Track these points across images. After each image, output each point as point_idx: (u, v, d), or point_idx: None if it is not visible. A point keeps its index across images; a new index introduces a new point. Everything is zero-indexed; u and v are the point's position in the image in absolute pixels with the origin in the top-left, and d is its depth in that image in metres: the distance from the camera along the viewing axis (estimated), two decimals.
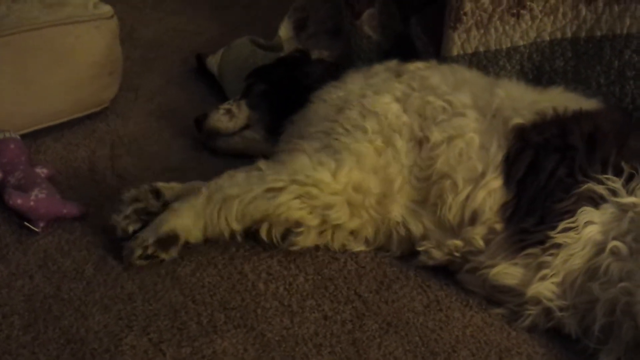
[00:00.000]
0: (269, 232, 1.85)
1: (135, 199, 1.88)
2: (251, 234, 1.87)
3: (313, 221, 1.84)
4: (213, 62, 2.63)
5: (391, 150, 1.86)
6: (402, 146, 1.87)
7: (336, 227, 1.86)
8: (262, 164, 1.87)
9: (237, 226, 1.82)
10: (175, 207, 1.82)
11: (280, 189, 1.81)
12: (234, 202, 1.80)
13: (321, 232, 1.87)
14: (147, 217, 1.85)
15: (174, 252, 1.79)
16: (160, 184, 1.93)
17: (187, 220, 1.80)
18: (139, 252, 1.76)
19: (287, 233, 1.86)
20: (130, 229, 1.83)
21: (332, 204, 1.83)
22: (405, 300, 1.78)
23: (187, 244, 1.81)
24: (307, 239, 1.86)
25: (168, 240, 1.78)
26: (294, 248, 1.86)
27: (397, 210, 1.86)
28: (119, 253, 1.80)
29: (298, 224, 1.84)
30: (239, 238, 1.85)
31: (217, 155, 2.27)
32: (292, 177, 1.82)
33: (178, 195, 1.91)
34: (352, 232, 1.89)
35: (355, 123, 1.90)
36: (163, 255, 1.78)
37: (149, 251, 1.76)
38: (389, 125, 1.88)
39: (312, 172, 1.83)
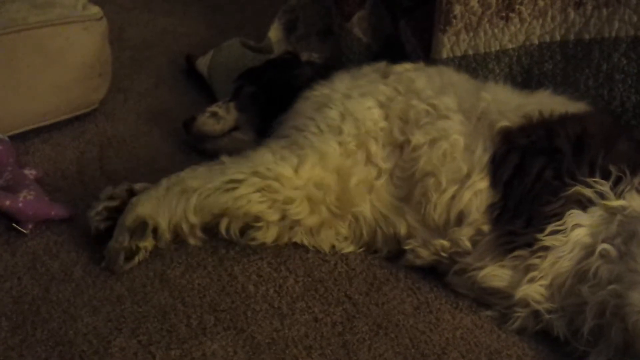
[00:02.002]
0: (227, 227, 1.85)
1: (110, 197, 1.87)
2: (209, 229, 1.86)
3: (273, 216, 1.84)
4: (203, 63, 2.63)
5: (362, 154, 1.88)
6: (376, 151, 1.88)
7: (295, 222, 1.86)
8: (225, 158, 1.88)
9: (194, 219, 1.82)
10: (133, 200, 1.82)
11: (240, 181, 1.82)
12: (193, 195, 1.80)
13: (281, 229, 1.87)
14: (119, 215, 1.84)
15: (150, 240, 1.79)
16: (137, 185, 1.92)
17: (147, 207, 1.79)
18: (122, 255, 1.75)
19: (246, 228, 1.86)
20: (102, 226, 1.82)
21: (292, 199, 1.83)
22: (396, 302, 1.78)
23: (156, 230, 1.79)
24: (266, 235, 1.86)
25: (138, 228, 1.77)
26: (253, 243, 1.86)
27: (364, 205, 1.87)
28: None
29: (257, 218, 1.84)
30: (197, 233, 1.84)
31: (206, 157, 2.25)
32: (253, 169, 1.83)
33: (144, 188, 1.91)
34: (312, 230, 1.89)
35: (331, 123, 1.91)
36: (142, 244, 1.77)
37: (130, 246, 1.75)
38: (367, 131, 1.89)
39: (274, 166, 1.84)
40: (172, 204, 1.80)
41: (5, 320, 1.64)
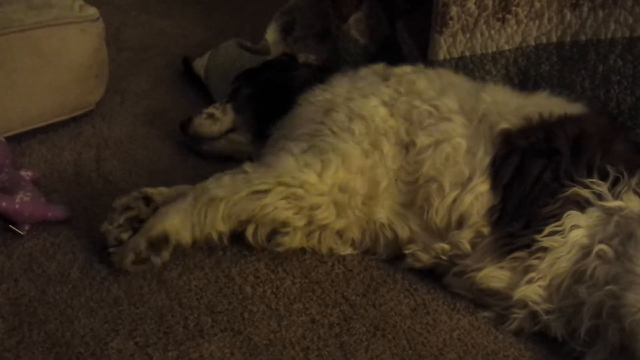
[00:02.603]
0: (254, 233, 1.84)
1: (126, 206, 1.86)
2: (237, 236, 1.86)
3: (299, 222, 1.84)
4: (200, 65, 2.63)
5: (378, 153, 1.87)
6: (388, 150, 1.87)
7: (322, 227, 1.86)
8: (247, 166, 1.87)
9: (223, 227, 1.82)
10: (162, 211, 1.82)
11: (266, 192, 1.81)
12: (220, 204, 1.80)
13: (308, 233, 1.87)
14: (139, 224, 1.83)
15: (165, 255, 1.78)
16: (150, 190, 1.91)
17: (175, 221, 1.79)
18: (131, 257, 1.75)
19: (273, 234, 1.86)
20: (125, 237, 1.81)
21: (318, 204, 1.83)
22: (393, 304, 1.78)
23: (177, 246, 1.79)
24: (293, 240, 1.86)
25: (159, 243, 1.77)
26: (280, 249, 1.86)
27: (382, 213, 1.86)
28: (105, 256, 1.79)
29: (284, 224, 1.84)
30: (225, 240, 1.84)
31: (203, 158, 2.26)
32: (278, 179, 1.82)
33: (167, 199, 1.91)
34: (339, 233, 1.89)
35: (342, 125, 1.90)
36: (155, 259, 1.77)
37: (142, 255, 1.75)
38: (376, 128, 1.89)
39: (298, 174, 1.83)
40: (200, 215, 1.80)
41: (1, 322, 1.63)
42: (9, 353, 1.57)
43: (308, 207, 1.83)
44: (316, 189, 1.83)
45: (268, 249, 1.86)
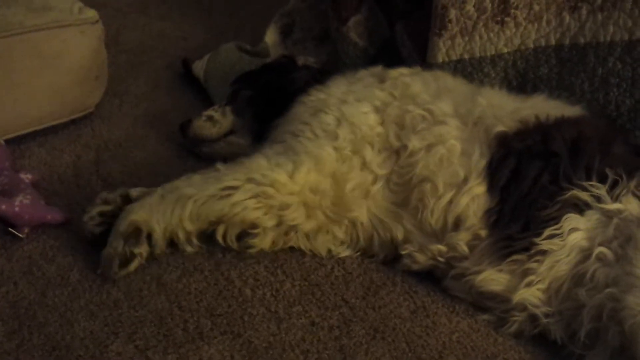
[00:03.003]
0: (224, 234, 1.84)
1: (104, 201, 1.87)
2: (206, 236, 1.86)
3: (269, 222, 1.84)
4: (199, 67, 2.63)
5: (357, 160, 1.88)
6: (372, 158, 1.88)
7: (292, 228, 1.87)
8: (219, 165, 1.89)
9: (191, 226, 1.82)
10: (128, 207, 1.82)
11: (235, 188, 1.82)
12: (188, 202, 1.80)
13: (278, 235, 1.87)
14: (111, 220, 1.83)
15: (144, 246, 1.78)
16: (133, 190, 1.92)
17: (142, 214, 1.79)
18: (116, 262, 1.75)
19: (242, 235, 1.86)
20: (97, 230, 1.82)
21: (288, 204, 1.83)
22: (392, 307, 1.78)
23: (150, 236, 1.79)
24: (263, 241, 1.86)
25: (133, 235, 1.77)
26: (251, 251, 1.86)
27: (360, 211, 1.87)
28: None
29: (254, 225, 1.84)
30: (194, 240, 1.84)
31: (202, 161, 2.26)
32: (248, 175, 1.83)
33: (140, 195, 1.91)
34: (309, 234, 1.89)
35: (327, 128, 1.91)
36: (137, 251, 1.76)
37: (125, 254, 1.75)
38: (363, 137, 1.90)
39: (269, 172, 1.84)
40: (167, 211, 1.80)
41: (1, 325, 1.63)
42: (9, 356, 1.57)
43: (277, 206, 1.83)
44: (286, 188, 1.83)
45: (238, 250, 1.86)
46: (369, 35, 2.45)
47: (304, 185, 1.84)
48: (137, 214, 1.79)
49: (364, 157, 1.88)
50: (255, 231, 1.84)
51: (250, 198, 1.82)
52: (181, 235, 1.82)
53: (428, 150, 1.84)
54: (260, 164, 1.86)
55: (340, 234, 1.90)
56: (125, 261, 1.76)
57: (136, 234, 1.77)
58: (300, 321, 1.72)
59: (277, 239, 1.88)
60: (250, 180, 1.83)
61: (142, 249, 1.78)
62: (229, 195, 1.82)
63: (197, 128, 2.24)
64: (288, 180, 1.84)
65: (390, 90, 1.97)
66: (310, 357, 1.63)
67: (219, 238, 1.85)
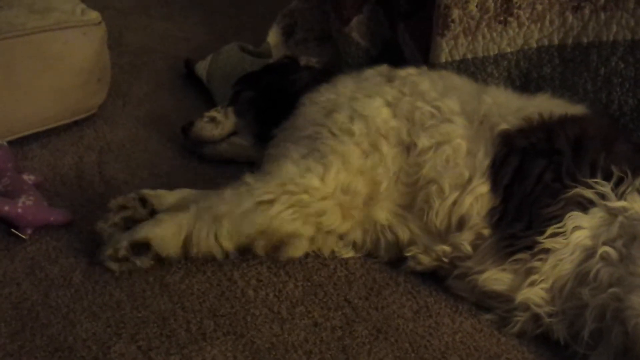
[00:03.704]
0: (262, 247, 1.83)
1: (122, 206, 1.87)
2: (243, 250, 1.84)
3: (308, 231, 1.83)
4: (202, 68, 2.63)
5: (377, 154, 1.87)
6: (388, 151, 1.87)
7: (328, 232, 1.86)
8: (249, 177, 1.85)
9: (229, 245, 1.80)
10: (159, 217, 1.81)
11: (270, 201, 1.80)
12: (224, 220, 1.78)
13: (312, 240, 1.87)
14: (133, 225, 1.83)
15: (146, 261, 1.77)
16: (146, 192, 1.91)
17: (166, 231, 1.77)
18: (109, 251, 1.75)
19: (279, 245, 1.84)
20: (117, 236, 1.81)
21: (324, 210, 1.82)
22: (395, 307, 1.78)
23: (157, 255, 1.77)
24: (299, 249, 1.85)
25: (140, 247, 1.76)
26: (284, 258, 1.85)
27: (382, 214, 1.86)
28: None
29: (293, 235, 1.82)
30: (230, 256, 1.83)
31: (205, 162, 2.26)
32: (282, 187, 1.81)
33: (164, 202, 1.90)
34: (342, 236, 1.89)
35: (342, 126, 1.90)
36: (136, 261, 1.76)
37: (120, 254, 1.75)
38: (377, 129, 1.89)
39: (301, 180, 1.82)
40: (201, 233, 1.77)
41: (4, 326, 1.63)
42: (12, 357, 1.56)
43: (314, 213, 1.82)
44: (320, 193, 1.82)
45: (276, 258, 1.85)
46: (371, 35, 2.45)
47: (336, 187, 1.83)
48: (160, 230, 1.76)
49: (381, 150, 1.87)
50: (294, 241, 1.83)
51: (286, 209, 1.80)
52: (218, 255, 1.80)
53: (436, 150, 1.84)
54: (290, 171, 1.83)
55: (358, 235, 1.90)
56: (117, 258, 1.76)
57: (143, 248, 1.76)
58: (303, 322, 1.71)
59: (312, 244, 1.87)
60: (284, 192, 1.80)
61: (143, 262, 1.77)
62: (266, 209, 1.79)
63: (199, 129, 2.24)
64: (320, 184, 1.82)
65: (400, 88, 1.97)
66: (313, 358, 1.63)
67: (260, 251, 1.82)
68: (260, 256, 1.86)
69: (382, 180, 1.85)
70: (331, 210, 1.83)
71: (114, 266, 1.76)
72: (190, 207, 1.81)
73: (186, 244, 1.78)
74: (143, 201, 1.89)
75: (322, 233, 1.85)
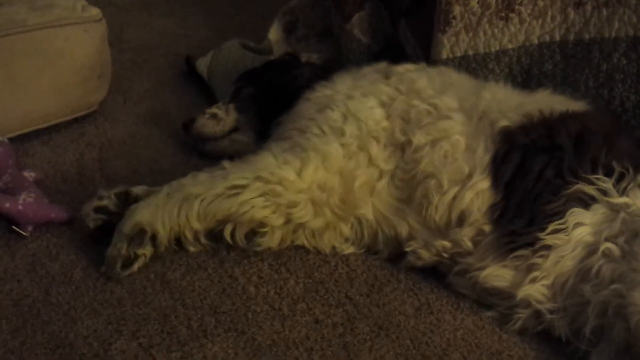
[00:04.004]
0: (232, 233, 1.84)
1: (100, 196, 1.87)
2: (214, 235, 1.85)
3: (277, 220, 1.83)
4: (202, 64, 2.63)
5: (364, 156, 1.87)
6: (377, 153, 1.87)
7: (300, 226, 1.86)
8: (226, 163, 1.87)
9: (198, 225, 1.80)
10: (133, 206, 1.81)
11: (243, 186, 1.81)
12: (196, 201, 1.79)
13: (286, 233, 1.87)
14: (106, 215, 1.83)
15: (148, 247, 1.77)
16: (135, 188, 1.91)
17: (146, 214, 1.78)
18: (119, 263, 1.74)
19: (250, 233, 1.85)
20: (91, 224, 1.82)
21: (296, 202, 1.82)
22: (396, 304, 1.78)
23: (154, 237, 1.78)
24: (271, 240, 1.85)
25: (137, 236, 1.76)
26: (259, 249, 1.85)
27: (366, 208, 1.86)
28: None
29: (262, 224, 1.83)
30: (201, 239, 1.84)
31: (206, 159, 2.26)
32: (256, 174, 1.82)
33: (146, 193, 1.90)
34: (321, 232, 1.88)
35: (334, 125, 1.90)
36: (141, 252, 1.76)
37: (129, 255, 1.75)
38: (368, 132, 1.89)
39: (277, 170, 1.83)
40: (174, 211, 1.79)
41: (5, 323, 1.63)
42: (13, 354, 1.57)
43: (285, 204, 1.82)
44: (295, 186, 1.82)
45: (246, 249, 1.85)
46: (372, 32, 2.45)
47: (312, 182, 1.84)
48: (142, 215, 1.78)
49: (369, 152, 1.87)
50: (264, 230, 1.84)
51: (258, 196, 1.81)
52: (188, 235, 1.82)
53: (432, 146, 1.84)
54: (267, 162, 1.85)
55: (346, 231, 1.90)
56: (129, 262, 1.76)
57: (140, 234, 1.77)
58: (304, 318, 1.71)
59: (285, 237, 1.87)
60: (258, 178, 1.82)
61: (146, 250, 1.78)
62: (237, 194, 1.80)
63: (200, 126, 2.24)
64: (296, 178, 1.83)
65: (396, 86, 1.97)
66: (314, 355, 1.62)
67: (227, 237, 1.84)
68: (261, 253, 1.86)
69: (358, 178, 1.85)
70: (303, 204, 1.83)
71: (127, 272, 1.76)
72: (163, 188, 1.83)
73: (163, 224, 1.78)
74: (126, 194, 1.88)
75: (293, 225, 1.85)
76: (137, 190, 1.91)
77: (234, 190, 1.81)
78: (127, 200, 1.87)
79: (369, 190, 1.87)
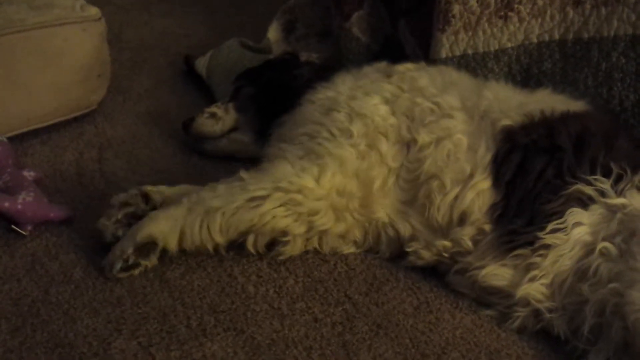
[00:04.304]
0: (254, 243, 1.83)
1: (124, 203, 1.86)
2: (236, 246, 1.84)
3: (299, 229, 1.83)
4: (202, 64, 2.63)
5: (375, 154, 1.86)
6: (387, 150, 1.87)
7: (322, 232, 1.86)
8: (243, 173, 1.85)
9: (220, 239, 1.80)
10: (152, 215, 1.80)
11: (263, 197, 1.80)
12: (217, 214, 1.78)
13: (307, 239, 1.87)
14: (135, 221, 1.83)
15: (153, 259, 1.77)
16: (149, 188, 1.91)
17: (163, 226, 1.77)
18: (119, 264, 1.74)
19: (273, 243, 1.85)
20: (120, 233, 1.81)
21: (317, 210, 1.82)
22: (395, 302, 1.78)
23: (164, 251, 1.78)
24: (294, 248, 1.85)
25: (146, 247, 1.76)
26: (282, 257, 1.85)
27: (382, 211, 1.86)
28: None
29: (284, 233, 1.82)
30: (222, 251, 1.83)
31: (206, 158, 2.26)
32: (275, 184, 1.81)
33: (166, 199, 1.90)
34: (339, 237, 1.88)
35: (341, 126, 1.89)
36: (144, 262, 1.76)
37: (130, 261, 1.74)
38: (376, 128, 1.88)
39: (296, 179, 1.82)
40: (194, 226, 1.77)
41: (4, 322, 1.63)
42: (12, 354, 1.57)
43: (307, 212, 1.82)
44: (314, 193, 1.82)
45: (269, 257, 1.85)
46: (371, 31, 2.45)
47: (331, 188, 1.83)
48: (157, 227, 1.76)
49: (379, 150, 1.86)
50: (286, 239, 1.83)
51: (279, 207, 1.80)
52: (210, 247, 1.81)
53: (436, 146, 1.84)
54: (285, 171, 1.83)
55: (358, 234, 1.90)
56: (129, 266, 1.75)
57: (150, 246, 1.76)
58: (304, 317, 1.71)
59: (308, 243, 1.87)
60: (277, 189, 1.80)
61: (150, 262, 1.77)
62: (258, 205, 1.79)
63: (199, 125, 2.24)
64: (315, 185, 1.82)
65: (399, 84, 1.97)
66: (313, 354, 1.63)
67: (250, 247, 1.83)
68: (260, 252, 1.86)
69: (376, 180, 1.84)
70: (324, 211, 1.83)
71: (124, 275, 1.75)
72: (183, 201, 1.81)
73: (181, 237, 1.78)
74: (145, 197, 1.89)
75: (315, 232, 1.85)
76: (151, 189, 1.90)
77: (254, 202, 1.79)
78: (145, 201, 1.87)
79: (384, 192, 1.86)
